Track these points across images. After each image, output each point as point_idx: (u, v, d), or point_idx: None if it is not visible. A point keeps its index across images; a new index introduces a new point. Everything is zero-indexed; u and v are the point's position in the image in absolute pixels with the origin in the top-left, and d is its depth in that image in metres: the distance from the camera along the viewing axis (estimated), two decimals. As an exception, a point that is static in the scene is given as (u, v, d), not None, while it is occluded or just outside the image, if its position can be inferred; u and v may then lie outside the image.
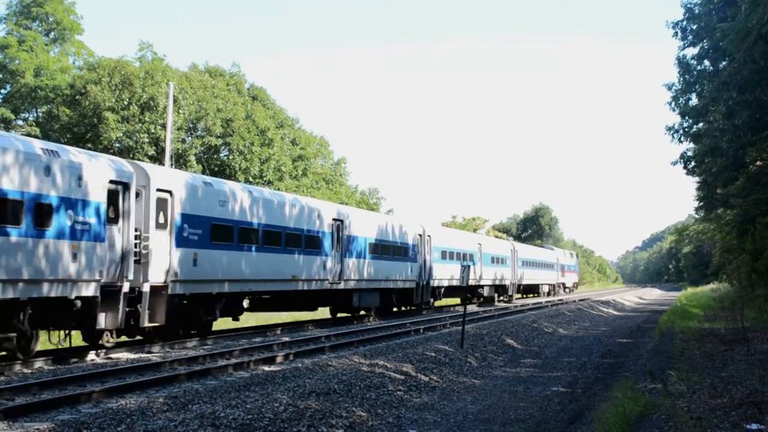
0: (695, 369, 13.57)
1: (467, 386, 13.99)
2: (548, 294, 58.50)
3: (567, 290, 67.24)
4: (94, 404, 10.19)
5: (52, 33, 44.63)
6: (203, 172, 38.07)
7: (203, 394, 10.83)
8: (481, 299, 42.69)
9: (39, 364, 14.05)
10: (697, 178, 30.60)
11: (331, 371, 13.20)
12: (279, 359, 14.96)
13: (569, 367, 16.94)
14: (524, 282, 50.00)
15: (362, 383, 12.32)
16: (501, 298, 45.97)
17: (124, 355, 15.77)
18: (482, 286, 40.87)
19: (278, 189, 39.84)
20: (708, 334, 20.34)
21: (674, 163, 27.42)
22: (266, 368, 13.79)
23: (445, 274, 34.10)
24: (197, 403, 10.20)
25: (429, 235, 32.77)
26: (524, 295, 55.29)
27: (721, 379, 12.24)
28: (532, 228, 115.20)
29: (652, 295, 79.58)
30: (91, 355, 15.24)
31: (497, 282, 43.66)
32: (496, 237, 64.66)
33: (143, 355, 15.90)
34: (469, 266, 21.08)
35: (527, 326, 25.15)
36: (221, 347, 17.28)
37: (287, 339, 18.99)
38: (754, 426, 8.52)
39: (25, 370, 13.45)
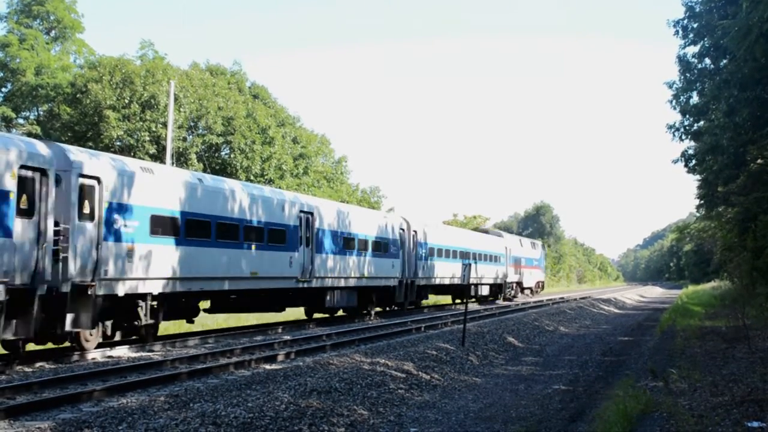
0: (696, 367, 13.57)
1: (468, 384, 13.99)
2: (495, 298, 41.81)
3: (527, 292, 49.51)
4: (96, 403, 10.20)
5: (53, 31, 44.62)
6: (204, 171, 38.10)
7: (204, 393, 10.84)
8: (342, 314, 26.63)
9: (40, 363, 14.07)
10: (698, 176, 30.52)
11: (332, 370, 13.20)
12: (280, 358, 15.00)
13: (570, 365, 16.94)
14: (436, 281, 33.10)
15: (363, 382, 12.32)
16: (388, 307, 29.39)
17: (125, 354, 15.80)
18: (324, 290, 23.41)
19: (279, 187, 39.83)
20: (709, 332, 20.34)
21: (675, 162, 27.33)
22: (267, 367, 13.81)
23: (199, 266, 17.90)
24: (198, 402, 10.21)
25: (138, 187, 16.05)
26: (459, 302, 37.97)
27: (723, 377, 12.24)
28: (533, 226, 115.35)
29: (653, 293, 79.58)
30: (92, 354, 15.26)
31: (369, 281, 26.52)
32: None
33: (144, 354, 15.92)
34: (470, 264, 20.72)
35: (528, 324, 25.13)
36: (222, 346, 17.33)
37: (288, 337, 19.03)
38: (755, 424, 8.51)
39: (26, 369, 13.46)
